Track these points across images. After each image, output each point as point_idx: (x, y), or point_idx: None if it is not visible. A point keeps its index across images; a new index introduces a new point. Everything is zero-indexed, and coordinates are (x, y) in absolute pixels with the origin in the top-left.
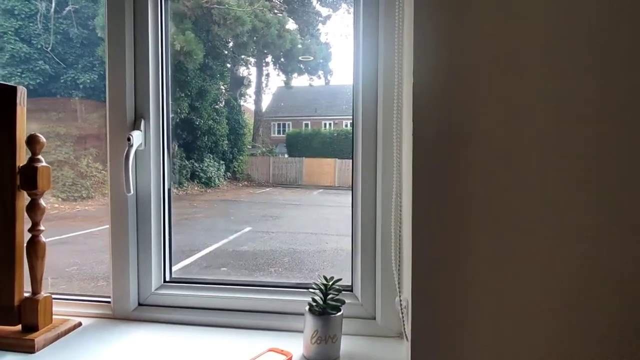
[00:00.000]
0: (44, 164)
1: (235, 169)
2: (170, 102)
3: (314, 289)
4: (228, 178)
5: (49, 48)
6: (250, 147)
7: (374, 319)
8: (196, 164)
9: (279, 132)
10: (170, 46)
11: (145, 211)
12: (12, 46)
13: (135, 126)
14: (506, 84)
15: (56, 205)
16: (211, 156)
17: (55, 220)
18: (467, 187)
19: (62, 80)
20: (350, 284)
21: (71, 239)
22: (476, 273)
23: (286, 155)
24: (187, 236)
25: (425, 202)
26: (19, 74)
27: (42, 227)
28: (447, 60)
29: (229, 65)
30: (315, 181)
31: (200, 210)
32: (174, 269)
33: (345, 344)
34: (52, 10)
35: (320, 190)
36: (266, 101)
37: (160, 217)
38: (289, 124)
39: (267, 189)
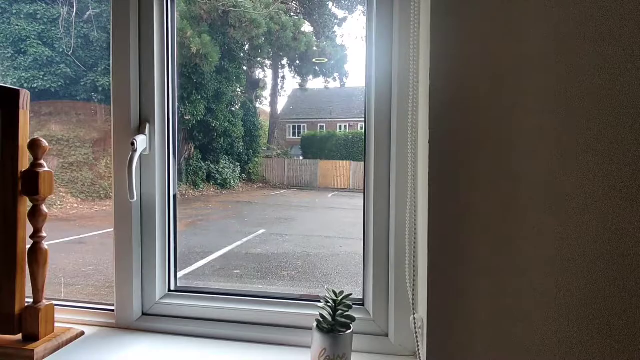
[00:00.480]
0: (46, 169)
1: (251, 171)
2: (176, 106)
3: (322, 303)
4: (243, 180)
5: (70, 51)
6: (265, 149)
7: (387, 336)
8: (212, 166)
9: (294, 134)
10: (186, 49)
11: (150, 218)
12: (34, 50)
13: (140, 130)
14: (526, 87)
15: (75, 205)
16: (227, 158)
17: (75, 220)
18: (488, 196)
19: (82, 83)
20: (361, 297)
21: (89, 238)
22: (501, 291)
23: (301, 158)
24: (201, 238)
25: (443, 215)
26: (41, 77)
27: (43, 234)
28: (466, 64)
29: (245, 68)
30: (330, 183)
31: (215, 211)
32: (188, 270)
33: None
34: (74, 14)
35: (335, 193)
36: (282, 103)
37: (165, 224)
38: (304, 126)
39: (282, 191)
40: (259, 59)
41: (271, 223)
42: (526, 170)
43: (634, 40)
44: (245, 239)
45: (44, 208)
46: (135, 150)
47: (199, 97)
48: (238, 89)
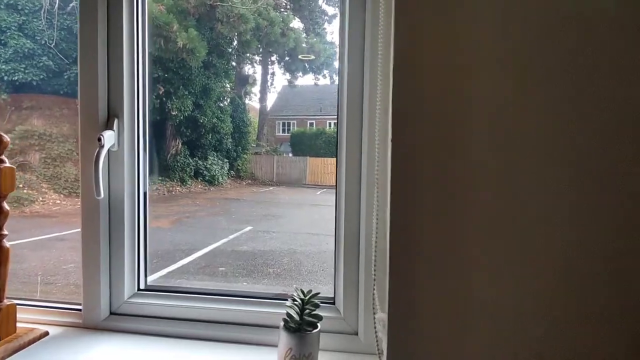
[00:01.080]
0: (7, 164)
1: (239, 168)
2: (147, 101)
3: (290, 302)
4: (232, 176)
5: (53, 44)
6: (254, 145)
7: (357, 334)
8: (200, 162)
9: (283, 131)
10: (172, 43)
11: (118, 216)
12: (15, 42)
13: (108, 126)
14: (490, 88)
15: (58, 202)
16: (215, 154)
17: (57, 216)
18: (450, 194)
19: (65, 77)
20: (332, 295)
21: (70, 235)
22: (463, 291)
23: (290, 154)
24: (187, 235)
25: (404, 214)
26: (22, 69)
27: (5, 232)
28: (430, 63)
29: (233, 64)
30: (319, 180)
31: (202, 208)
32: (172, 267)
33: None
34: (56, 6)
35: (324, 190)
36: (271, 100)
37: (135, 222)
38: (293, 123)
39: (271, 188)
40: (248, 55)
41: (259, 220)
42: (488, 171)
43: (595, 42)
44: (231, 236)
45: (5, 205)
46: (102, 146)
47: (186, 92)
48: (227, 85)
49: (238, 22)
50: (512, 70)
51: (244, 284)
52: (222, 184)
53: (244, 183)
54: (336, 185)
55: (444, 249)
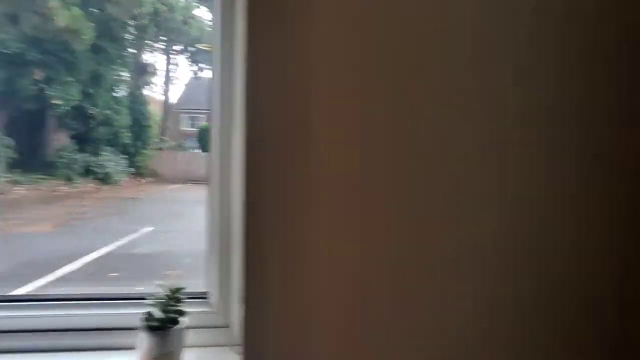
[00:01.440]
0: None
1: (139, 164)
2: None
3: (152, 300)
4: (131, 174)
5: None
6: (157, 140)
7: (229, 327)
8: (91, 158)
9: (190, 125)
10: (50, 22)
11: None
12: None
13: None
14: (335, 89)
15: None
16: (110, 149)
17: None
18: (302, 189)
19: None
20: (206, 290)
21: None
22: (312, 288)
23: (198, 150)
24: (74, 239)
25: (257, 205)
26: None
27: None
28: (283, 61)
29: (132, 50)
30: None
31: (94, 209)
32: (52, 277)
33: (193, 358)
34: None
35: None
36: (177, 92)
37: None
38: (201, 117)
39: (176, 186)
40: (147, 42)
41: (160, 220)
42: (335, 175)
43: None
44: (128, 238)
45: None
46: None
47: (72, 78)
48: (122, 73)
49: (131, 5)
50: (369, 65)
51: (139, 289)
52: (118, 182)
53: (145, 181)
54: (208, 181)
55: (293, 248)
